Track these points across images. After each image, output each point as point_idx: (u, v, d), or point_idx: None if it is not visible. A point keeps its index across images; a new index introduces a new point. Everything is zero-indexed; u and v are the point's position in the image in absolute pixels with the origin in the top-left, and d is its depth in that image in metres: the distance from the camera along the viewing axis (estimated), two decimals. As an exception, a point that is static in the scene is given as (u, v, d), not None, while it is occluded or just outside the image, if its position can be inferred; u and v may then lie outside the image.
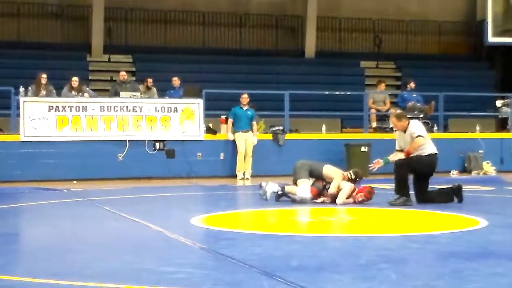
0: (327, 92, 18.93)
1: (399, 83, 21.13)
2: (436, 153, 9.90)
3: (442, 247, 6.52)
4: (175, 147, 15.22)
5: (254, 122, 15.43)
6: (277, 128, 16.11)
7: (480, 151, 16.64)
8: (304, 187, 9.91)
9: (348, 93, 18.92)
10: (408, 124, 9.83)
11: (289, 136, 16.05)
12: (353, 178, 10.11)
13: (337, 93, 19.06)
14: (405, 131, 9.82)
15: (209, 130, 15.64)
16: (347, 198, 9.91)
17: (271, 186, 9.99)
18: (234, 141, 15.24)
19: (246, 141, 15.16)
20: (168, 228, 7.49)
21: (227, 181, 14.56)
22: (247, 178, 14.98)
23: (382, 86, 17.89)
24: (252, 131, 15.31)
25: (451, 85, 20.54)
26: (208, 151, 15.39)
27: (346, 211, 9.35)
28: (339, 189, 9.96)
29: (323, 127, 16.62)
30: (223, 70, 20.97)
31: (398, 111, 10.35)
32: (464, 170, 16.61)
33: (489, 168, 16.38)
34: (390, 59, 23.57)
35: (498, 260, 5.86)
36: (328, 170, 10.14)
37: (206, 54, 21.80)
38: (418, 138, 9.65)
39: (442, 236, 7.20)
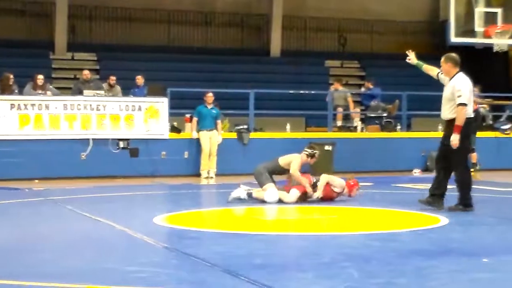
0: (291, 91, 18.98)
1: (363, 82, 21.28)
2: (472, 117, 8.90)
3: (403, 245, 6.59)
4: (139, 145, 15.12)
5: (219, 121, 15.40)
6: (241, 127, 16.11)
7: (442, 150, 16.83)
8: (270, 192, 9.90)
9: (313, 92, 18.99)
10: (455, 75, 8.87)
11: (253, 135, 16.07)
12: (311, 153, 10.13)
13: (301, 92, 19.13)
14: (450, 79, 8.91)
15: (173, 129, 15.57)
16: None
17: (238, 192, 9.96)
18: (198, 140, 15.21)
19: (211, 140, 15.14)
20: (131, 227, 7.45)
21: (191, 180, 14.52)
22: (212, 177, 14.95)
23: (337, 86, 17.98)
24: (217, 130, 15.30)
25: (414, 84, 20.73)
26: (173, 150, 15.32)
27: (310, 209, 9.39)
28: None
29: (288, 126, 16.68)
30: (188, 68, 20.90)
31: (453, 54, 9.07)
32: (426, 169, 16.78)
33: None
34: (355, 59, 23.74)
35: (458, 258, 5.95)
36: (285, 159, 10.14)
37: (171, 53, 21.73)
38: (461, 108, 8.65)
39: (404, 234, 7.28)
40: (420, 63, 9.59)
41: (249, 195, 9.98)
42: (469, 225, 8.02)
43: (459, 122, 8.72)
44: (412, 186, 13.00)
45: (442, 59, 9.08)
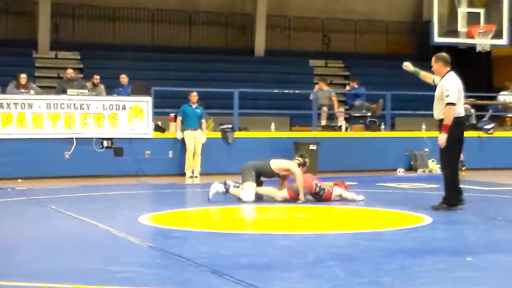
0: (276, 91, 19.00)
1: (347, 82, 21.36)
2: (462, 116, 8.96)
3: (388, 244, 6.61)
4: (123, 145, 15.06)
5: (203, 120, 15.37)
6: (226, 126, 16.08)
7: (426, 150, 16.92)
8: (247, 191, 9.85)
9: (297, 91, 19.02)
10: (445, 74, 8.92)
11: (238, 134, 16.06)
12: (302, 162, 10.09)
13: (286, 91, 19.14)
14: (441, 79, 8.96)
15: (157, 128, 15.53)
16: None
17: (216, 186, 9.93)
18: (183, 139, 15.19)
19: (195, 139, 15.12)
20: (115, 227, 7.41)
21: (176, 179, 14.49)
22: (196, 177, 14.93)
23: (322, 85, 18.01)
24: (201, 129, 15.28)
25: (398, 84, 20.81)
26: (157, 149, 15.28)
27: (295, 209, 9.39)
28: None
29: (272, 126, 16.69)
30: (172, 67, 20.86)
31: (443, 53, 9.18)
32: (410, 168, 16.86)
33: (434, 166, 16.64)
34: (339, 58, 23.80)
35: (441, 256, 5.98)
36: (278, 163, 10.11)
37: (155, 52, 21.67)
38: (448, 107, 8.73)
39: (389, 233, 7.30)
40: (417, 70, 9.53)
41: (227, 190, 9.93)
42: (453, 224, 8.05)
43: (447, 121, 8.78)
44: (396, 185, 13.03)
45: (433, 59, 9.12)
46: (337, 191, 10.09)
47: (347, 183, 10.55)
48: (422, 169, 16.66)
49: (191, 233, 7.31)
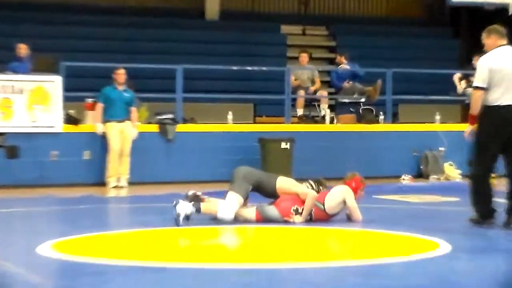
0: (235, 67, 18.94)
1: (333, 55, 21.40)
2: (497, 104, 9.16)
3: (391, 281, 6.60)
4: (20, 142, 14.97)
5: (134, 108, 15.36)
6: (165, 116, 16.07)
7: (441, 149, 17.00)
8: (228, 206, 9.82)
9: (264, 68, 18.99)
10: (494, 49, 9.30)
11: (182, 127, 16.03)
12: (316, 188, 10.13)
13: (249, 68, 19.10)
14: None
15: (69, 119, 15.46)
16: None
17: (183, 207, 9.81)
18: (104, 134, 15.10)
19: (122, 134, 15.07)
20: (7, 259, 7.35)
21: (94, 190, 14.44)
22: (122, 187, 14.89)
23: (304, 58, 17.99)
24: (131, 121, 15.22)
25: (402, 59, 20.91)
26: (68, 148, 15.22)
27: (264, 231, 9.39)
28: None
29: (230, 115, 16.64)
30: (93, 35, 20.73)
31: (495, 25, 9.51)
32: (419, 174, 16.93)
33: (452, 171, 16.74)
34: (321, 24, 23.87)
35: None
36: (286, 183, 10.13)
37: (69, 12, 21.51)
38: (474, 92, 9.28)
39: (392, 266, 7.29)
40: None
41: (197, 209, 9.86)
42: (479, 252, 8.11)
43: (471, 110, 9.21)
44: (401, 198, 13.14)
45: (484, 34, 9.43)
46: (334, 196, 10.01)
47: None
48: (436, 176, 16.74)
49: (112, 267, 7.24)
